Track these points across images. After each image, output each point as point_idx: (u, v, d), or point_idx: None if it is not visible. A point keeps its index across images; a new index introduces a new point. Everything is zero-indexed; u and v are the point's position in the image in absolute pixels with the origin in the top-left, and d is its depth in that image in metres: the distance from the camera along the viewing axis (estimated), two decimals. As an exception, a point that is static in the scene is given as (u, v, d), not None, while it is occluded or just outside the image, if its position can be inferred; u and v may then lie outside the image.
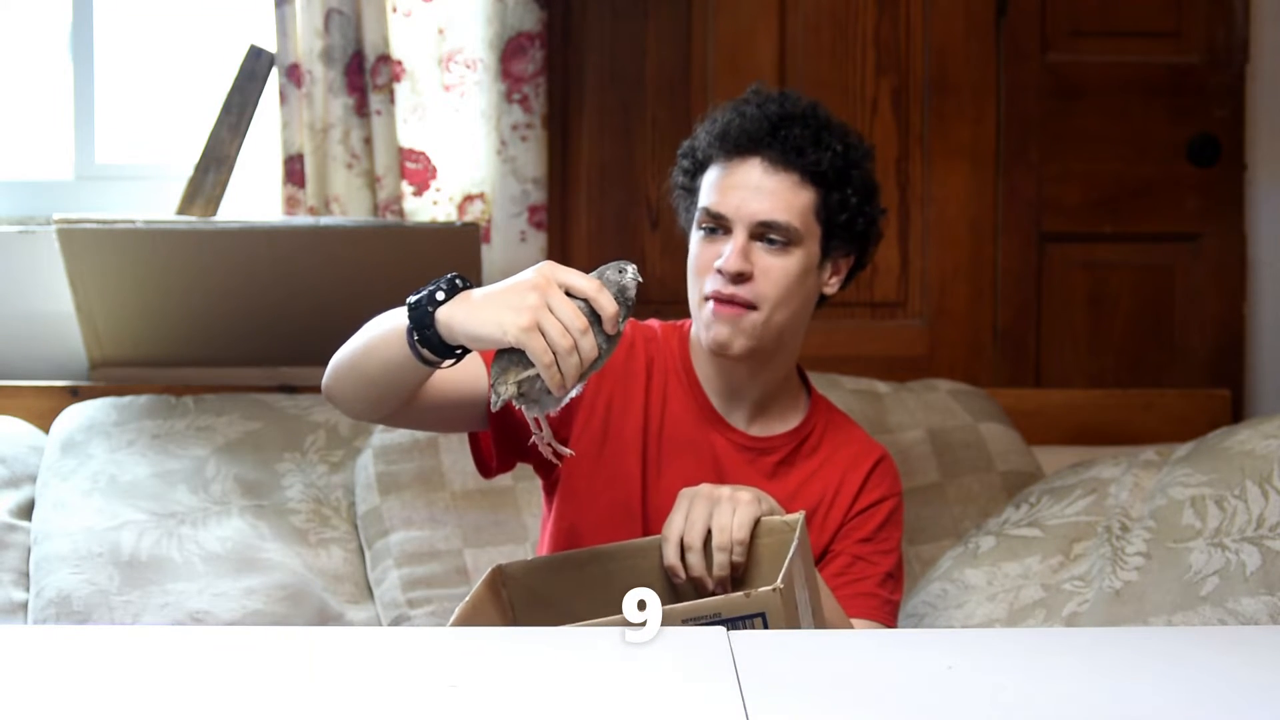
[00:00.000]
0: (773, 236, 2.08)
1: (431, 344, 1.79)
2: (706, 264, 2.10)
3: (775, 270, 2.07)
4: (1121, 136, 3.33)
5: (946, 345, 3.33)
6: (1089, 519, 2.54)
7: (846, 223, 2.11)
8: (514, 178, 3.13)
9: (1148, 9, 3.32)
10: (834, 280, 2.15)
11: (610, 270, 1.77)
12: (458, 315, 1.76)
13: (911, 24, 3.30)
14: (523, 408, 1.78)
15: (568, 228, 3.26)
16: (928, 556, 2.76)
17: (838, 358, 3.09)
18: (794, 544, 1.83)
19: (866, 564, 2.14)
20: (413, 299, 1.80)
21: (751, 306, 2.07)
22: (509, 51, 3.11)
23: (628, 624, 1.60)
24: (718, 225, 2.10)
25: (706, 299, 2.10)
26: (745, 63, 3.27)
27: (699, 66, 3.27)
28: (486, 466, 2.08)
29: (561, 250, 3.25)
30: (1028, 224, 3.33)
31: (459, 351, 1.80)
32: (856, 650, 1.76)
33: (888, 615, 2.13)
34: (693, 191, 2.16)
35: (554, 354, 1.70)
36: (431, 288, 1.79)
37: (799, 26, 3.28)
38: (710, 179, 2.12)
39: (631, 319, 2.18)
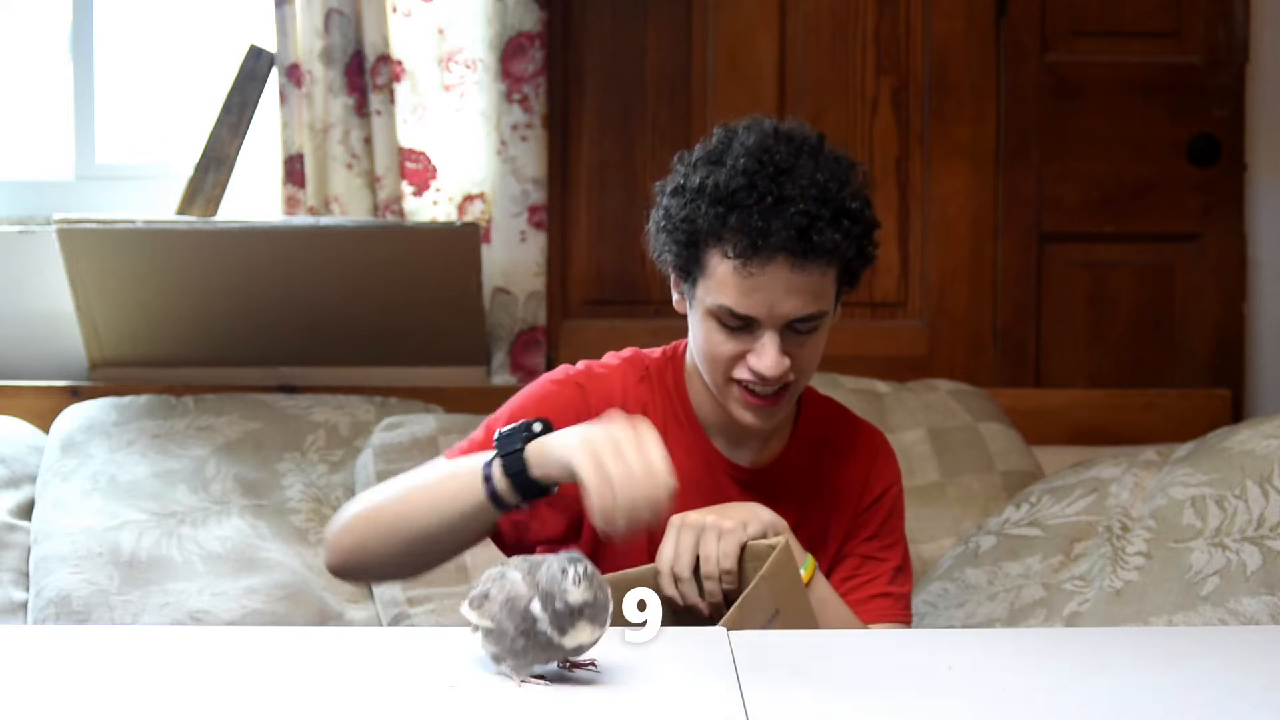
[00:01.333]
0: (802, 327, 1.96)
1: (518, 476, 1.83)
2: (731, 359, 1.98)
3: (806, 351, 1.98)
4: (1121, 136, 3.33)
5: (946, 345, 3.33)
6: (1089, 519, 2.54)
7: (861, 269, 2.01)
8: (514, 178, 3.13)
9: (1148, 9, 3.32)
10: (838, 310, 2.05)
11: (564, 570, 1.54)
12: (550, 443, 1.83)
13: (911, 24, 3.30)
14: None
15: (568, 228, 3.26)
16: (928, 556, 2.76)
17: (838, 358, 3.07)
18: (755, 578, 1.84)
19: (875, 563, 2.12)
20: (503, 431, 1.86)
21: (788, 383, 2.00)
22: (509, 51, 3.11)
23: (628, 624, 1.60)
24: (742, 324, 1.96)
25: (735, 383, 1.99)
26: (745, 63, 3.27)
27: (699, 66, 3.27)
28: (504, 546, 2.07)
29: (561, 250, 3.25)
30: (1028, 224, 3.33)
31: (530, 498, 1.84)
32: (856, 650, 1.76)
33: (902, 611, 2.11)
34: (694, 262, 1.98)
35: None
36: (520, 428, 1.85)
37: (799, 26, 3.28)
38: (725, 272, 1.94)
39: (635, 350, 2.13)
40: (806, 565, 2.00)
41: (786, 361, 1.96)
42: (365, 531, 1.94)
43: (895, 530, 2.14)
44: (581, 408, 2.01)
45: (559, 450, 1.81)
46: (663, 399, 2.07)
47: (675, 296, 2.06)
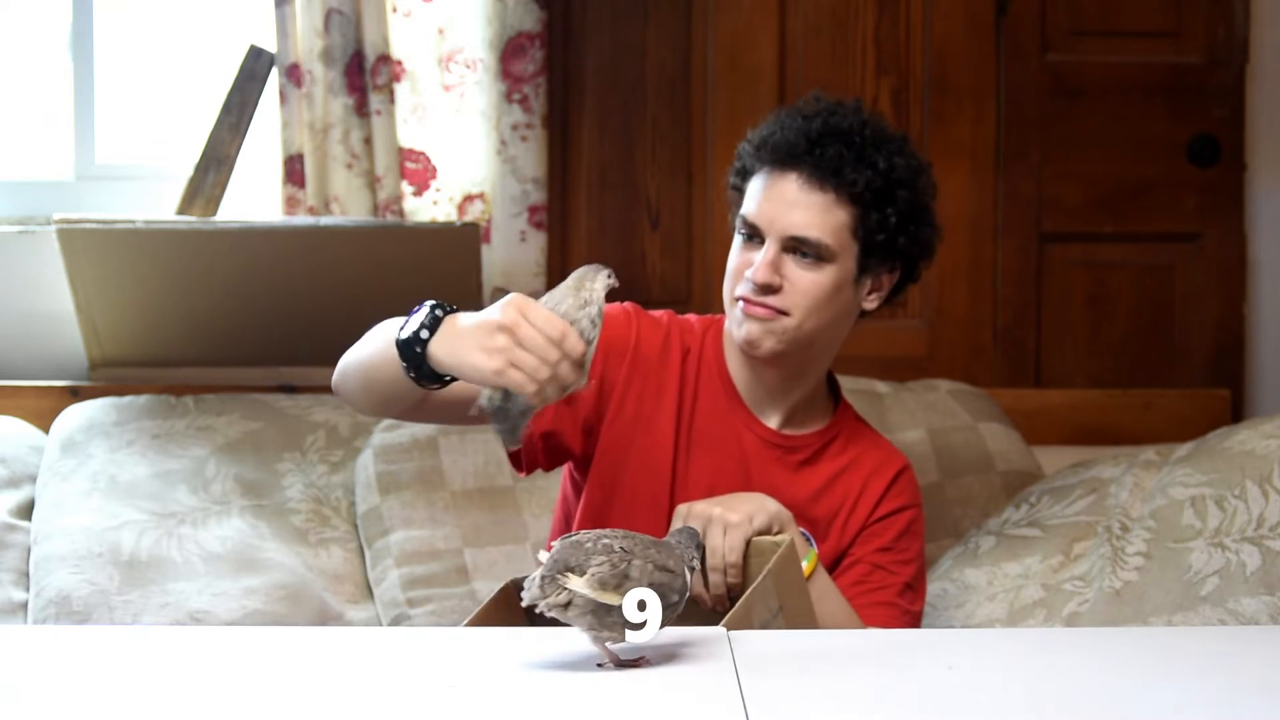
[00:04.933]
0: (804, 250, 2.07)
1: (425, 375, 1.83)
2: (741, 268, 2.10)
3: (804, 282, 2.07)
4: (1121, 136, 3.33)
5: (946, 345, 3.33)
6: (1089, 519, 2.55)
7: (886, 242, 2.09)
8: (514, 178, 3.13)
9: (1148, 9, 3.32)
10: (874, 296, 2.14)
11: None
12: (440, 353, 1.80)
13: (911, 24, 3.30)
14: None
15: (568, 228, 3.26)
16: (928, 556, 2.76)
17: (838, 357, 3.08)
18: (761, 574, 1.85)
19: (885, 573, 2.14)
20: (401, 335, 1.83)
21: (782, 313, 2.08)
22: (509, 51, 3.11)
23: (628, 624, 1.60)
24: (753, 233, 2.10)
25: (737, 300, 2.11)
26: (745, 63, 3.27)
27: (699, 66, 3.27)
28: (531, 465, 2.10)
29: (561, 250, 3.25)
30: (1028, 224, 3.33)
31: (449, 378, 1.84)
32: (856, 650, 1.76)
33: (908, 625, 2.13)
34: (742, 193, 2.15)
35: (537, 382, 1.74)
36: (416, 325, 1.82)
37: (799, 26, 3.28)
38: (753, 186, 2.12)
39: (669, 313, 2.19)
40: (809, 557, 2.02)
41: (776, 277, 2.07)
42: (344, 370, 2.00)
43: (910, 550, 2.17)
44: (626, 329, 2.13)
45: (461, 368, 1.79)
46: (699, 355, 2.17)
47: None
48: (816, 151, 2.07)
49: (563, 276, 3.23)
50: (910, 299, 3.33)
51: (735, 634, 1.73)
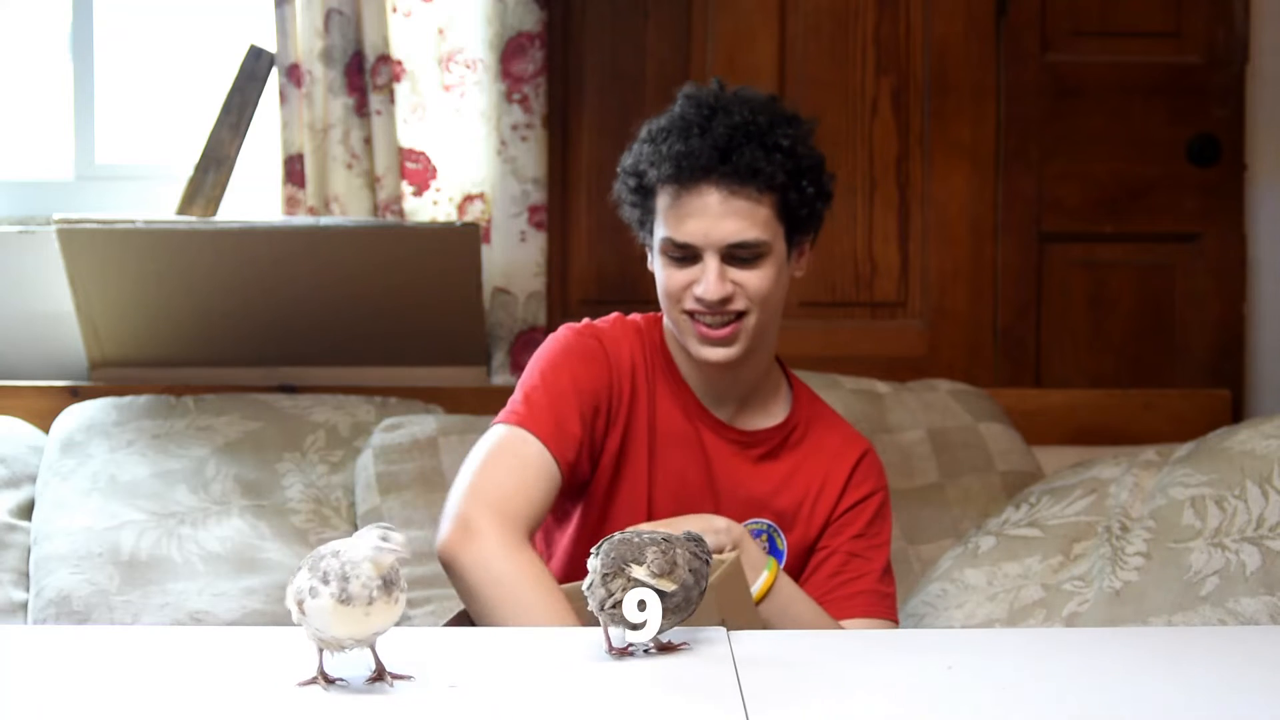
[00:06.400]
0: (743, 254, 2.06)
1: None
2: (681, 289, 2.08)
3: (753, 281, 2.07)
4: (1121, 136, 3.33)
5: (946, 345, 3.33)
6: (1089, 519, 2.55)
7: (808, 214, 2.11)
8: (514, 178, 3.13)
9: (1148, 9, 3.32)
10: (802, 263, 2.16)
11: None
12: None
13: (911, 24, 3.30)
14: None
15: (568, 228, 3.26)
16: (928, 556, 2.76)
17: (838, 358, 3.09)
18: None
19: (863, 561, 2.14)
20: None
21: (741, 314, 2.08)
22: (509, 51, 3.11)
23: (629, 625, 1.60)
24: (685, 254, 2.08)
25: (687, 315, 2.09)
26: (745, 63, 3.27)
27: (699, 66, 3.27)
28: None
29: (561, 250, 3.25)
30: (1028, 224, 3.33)
31: None
32: (856, 650, 1.76)
33: (889, 610, 2.14)
34: (646, 210, 2.13)
35: None
36: None
37: (799, 26, 3.28)
38: (665, 205, 2.09)
39: (617, 318, 2.18)
40: (769, 566, 2.02)
41: (728, 286, 2.06)
42: (463, 591, 1.98)
43: (882, 534, 2.18)
44: (602, 356, 2.12)
45: None
46: (651, 355, 2.16)
47: (648, 259, 2.16)
48: (732, 159, 2.05)
49: (563, 276, 3.27)
50: (910, 299, 3.33)
51: (735, 634, 1.73)
